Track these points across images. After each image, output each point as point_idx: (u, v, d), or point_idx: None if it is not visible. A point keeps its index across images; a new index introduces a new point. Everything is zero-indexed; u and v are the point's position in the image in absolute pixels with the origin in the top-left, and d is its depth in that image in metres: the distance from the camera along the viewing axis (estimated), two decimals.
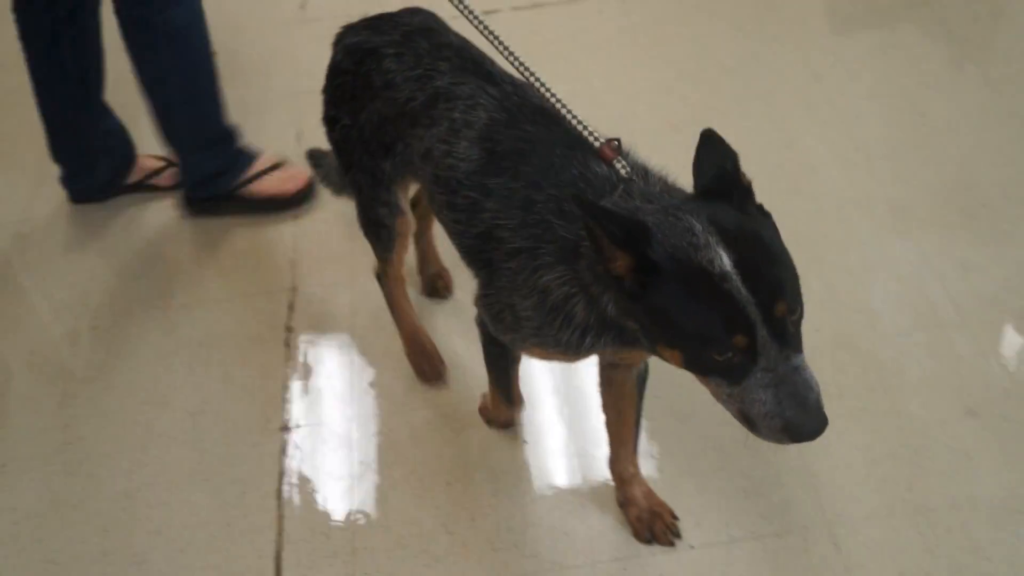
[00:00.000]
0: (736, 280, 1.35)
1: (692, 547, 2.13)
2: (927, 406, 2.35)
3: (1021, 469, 2.21)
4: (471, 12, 1.88)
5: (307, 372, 2.59)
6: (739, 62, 3.50)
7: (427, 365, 2.51)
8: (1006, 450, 2.25)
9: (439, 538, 2.20)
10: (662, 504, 2.19)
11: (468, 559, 2.16)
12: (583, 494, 2.27)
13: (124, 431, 2.48)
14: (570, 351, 1.70)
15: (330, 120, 2.19)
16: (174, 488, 2.35)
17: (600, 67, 3.57)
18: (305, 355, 2.63)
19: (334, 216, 3.02)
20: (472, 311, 1.97)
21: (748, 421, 1.44)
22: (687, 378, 1.52)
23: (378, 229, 2.26)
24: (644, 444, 2.28)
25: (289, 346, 2.66)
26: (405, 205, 2.22)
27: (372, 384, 2.53)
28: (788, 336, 1.39)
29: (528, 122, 1.79)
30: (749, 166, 1.50)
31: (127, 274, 2.94)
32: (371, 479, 2.33)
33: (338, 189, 2.61)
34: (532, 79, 1.79)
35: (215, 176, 3.00)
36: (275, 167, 3.09)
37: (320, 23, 3.49)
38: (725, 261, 1.36)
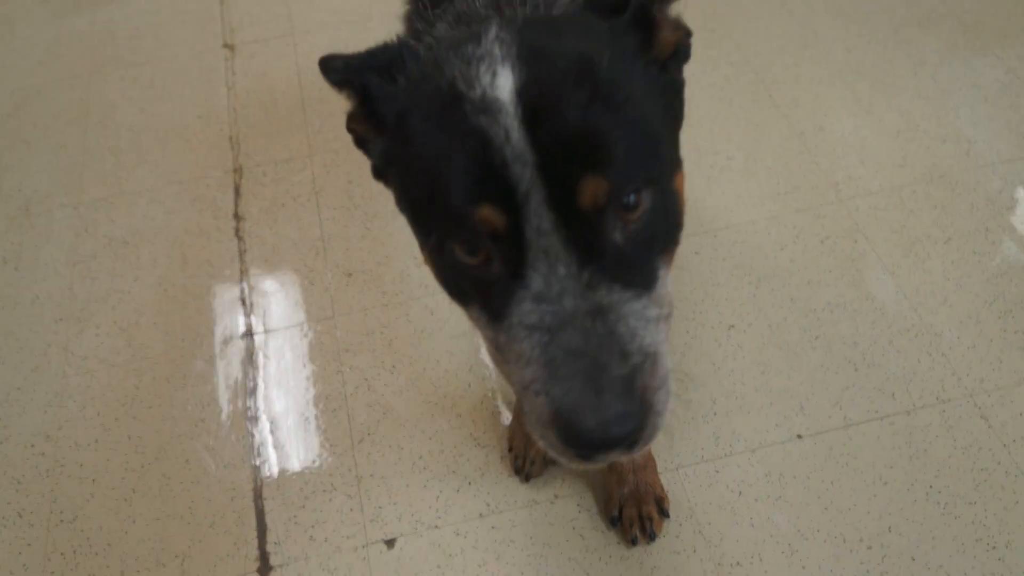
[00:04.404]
0: (511, 116, 0.77)
1: (799, 436, 1.66)
2: None
3: None
4: None
5: (266, 268, 2.02)
6: None
7: None
8: None
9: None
10: (654, 485, 1.57)
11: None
12: None
13: (35, 357, 1.90)
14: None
15: None
16: (108, 425, 1.78)
17: None
18: (261, 248, 2.06)
19: (277, 80, 2.43)
20: None
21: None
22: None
23: None
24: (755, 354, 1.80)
25: (241, 238, 2.08)
26: None
27: (350, 274, 1.98)
28: (602, 247, 0.79)
29: None
30: None
31: (23, 168, 2.32)
32: (358, 377, 1.79)
33: None
34: None
35: None
36: None
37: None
38: (501, 84, 0.79)
